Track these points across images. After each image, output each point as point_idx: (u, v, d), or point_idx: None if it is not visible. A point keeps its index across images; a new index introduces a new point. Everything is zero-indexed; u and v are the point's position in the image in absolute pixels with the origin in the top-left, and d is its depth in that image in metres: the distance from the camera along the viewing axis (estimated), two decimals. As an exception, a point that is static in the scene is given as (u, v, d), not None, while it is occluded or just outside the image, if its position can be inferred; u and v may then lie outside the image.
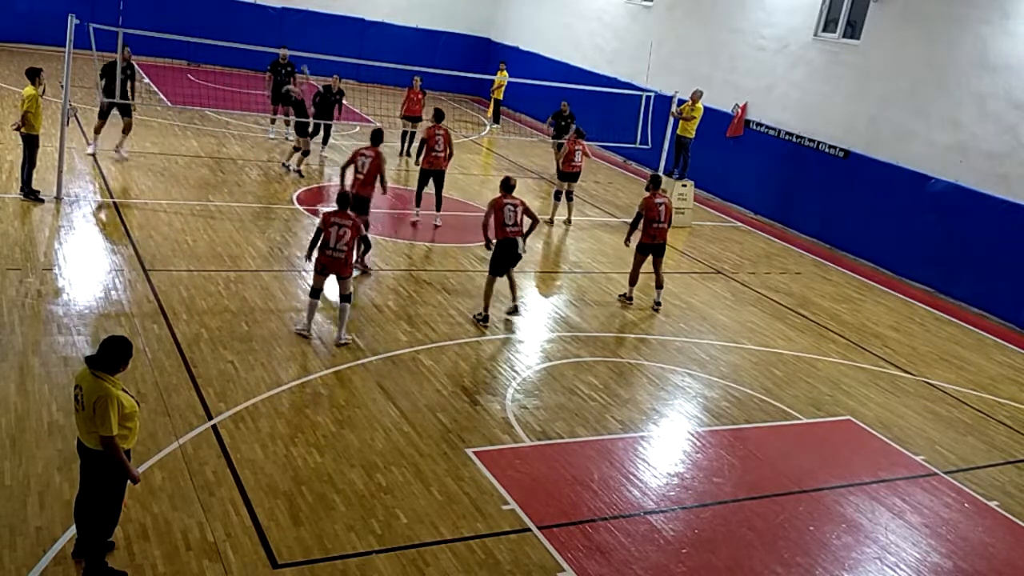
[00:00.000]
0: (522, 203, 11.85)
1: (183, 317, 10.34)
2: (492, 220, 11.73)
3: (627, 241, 13.23)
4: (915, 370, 12.64)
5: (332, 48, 24.08)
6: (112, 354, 5.81)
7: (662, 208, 12.82)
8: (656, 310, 13.11)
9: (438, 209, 15.33)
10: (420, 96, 20.13)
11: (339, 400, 9.07)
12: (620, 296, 13.37)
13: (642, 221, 12.82)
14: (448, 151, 15.22)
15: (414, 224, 15.51)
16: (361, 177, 12.67)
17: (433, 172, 15.27)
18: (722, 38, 21.60)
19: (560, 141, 19.28)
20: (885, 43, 17.81)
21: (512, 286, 12.05)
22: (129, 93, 16.11)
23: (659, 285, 13.23)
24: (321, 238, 10.16)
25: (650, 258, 13.08)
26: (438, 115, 15.44)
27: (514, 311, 12.06)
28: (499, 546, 7.16)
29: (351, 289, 10.47)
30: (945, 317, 15.43)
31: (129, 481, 6.03)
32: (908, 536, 8.32)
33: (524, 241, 11.86)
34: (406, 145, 20.42)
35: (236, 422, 8.33)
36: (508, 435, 8.92)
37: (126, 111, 16.18)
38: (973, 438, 10.70)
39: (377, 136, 13.12)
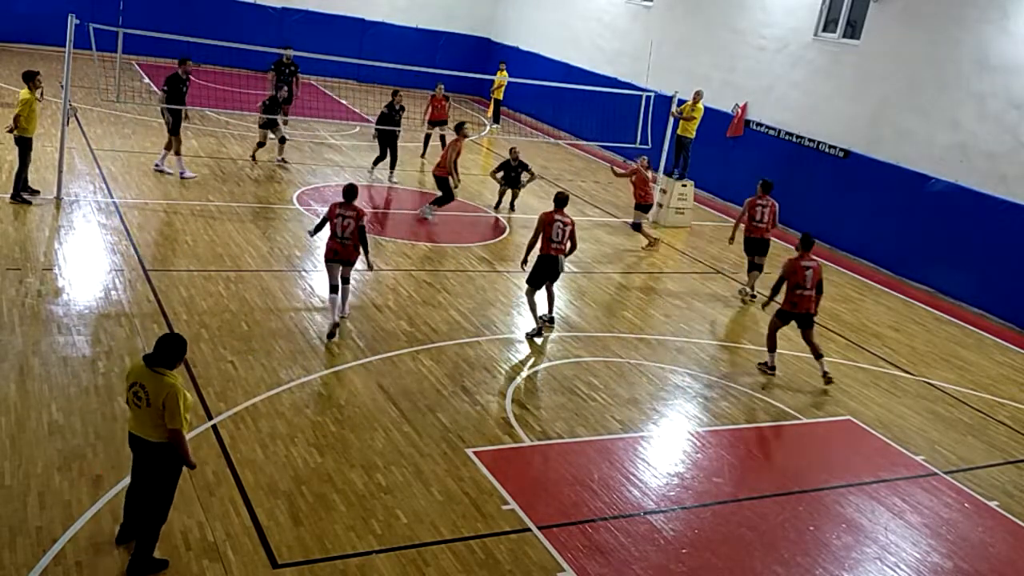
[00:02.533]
0: (572, 223, 11.40)
1: (183, 317, 10.34)
2: (541, 236, 11.23)
3: (766, 305, 11.79)
4: (915, 370, 12.64)
5: (332, 48, 24.12)
6: (172, 351, 6.04)
7: (809, 272, 11.14)
8: (828, 382, 11.37)
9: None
10: (444, 102, 20.35)
11: (339, 400, 9.07)
12: (761, 365, 11.67)
13: (784, 285, 11.26)
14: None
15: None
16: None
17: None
18: (722, 38, 21.60)
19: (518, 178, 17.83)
20: (885, 43, 17.80)
21: (550, 299, 11.74)
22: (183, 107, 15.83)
23: (817, 355, 11.43)
24: (327, 227, 10.69)
25: (793, 328, 11.52)
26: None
27: (549, 321, 11.76)
28: (499, 546, 7.16)
29: (349, 272, 10.91)
30: (945, 317, 15.42)
31: (185, 467, 6.26)
32: (908, 536, 8.32)
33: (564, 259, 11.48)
34: (427, 149, 20.83)
35: (236, 422, 8.32)
36: (508, 435, 8.92)
37: (176, 128, 15.82)
38: (973, 438, 10.70)
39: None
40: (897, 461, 9.81)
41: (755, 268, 14.48)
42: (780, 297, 11.52)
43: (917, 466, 9.75)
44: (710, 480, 8.74)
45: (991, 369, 13.23)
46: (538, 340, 11.40)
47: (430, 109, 20.41)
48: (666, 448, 9.31)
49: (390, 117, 17.87)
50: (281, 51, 19.54)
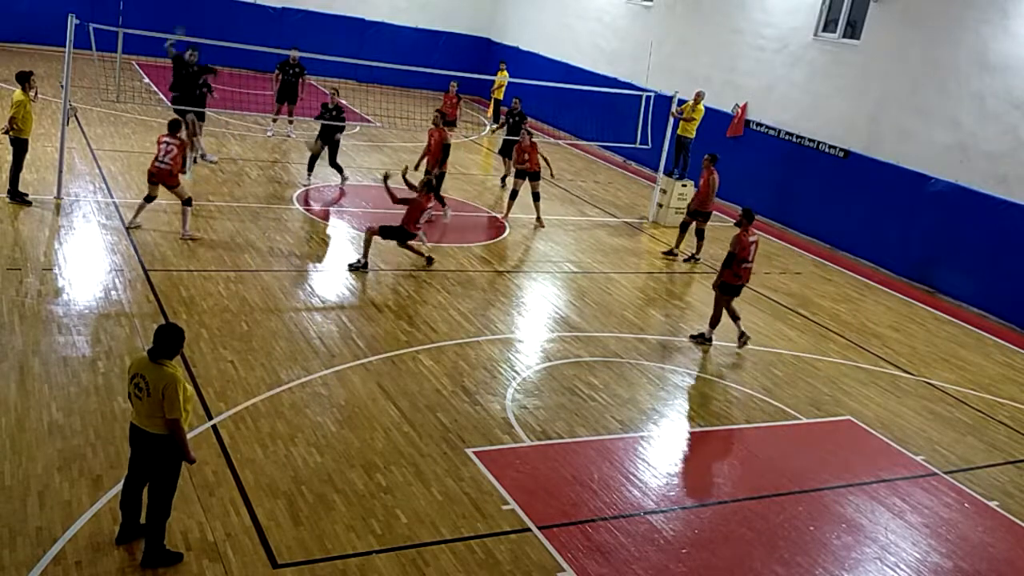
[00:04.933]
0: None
1: (183, 317, 10.34)
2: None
3: (716, 285, 11.86)
4: (915, 370, 12.64)
5: (332, 48, 24.12)
6: (170, 341, 6.10)
7: (753, 247, 11.62)
8: (706, 343, 12.00)
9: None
10: (455, 101, 20.21)
11: (339, 400, 9.07)
12: (696, 337, 12.10)
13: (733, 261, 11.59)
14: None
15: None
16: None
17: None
18: (722, 38, 21.59)
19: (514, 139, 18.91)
20: (885, 43, 17.81)
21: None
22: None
23: (714, 323, 11.98)
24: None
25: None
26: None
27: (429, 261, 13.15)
28: (499, 546, 7.16)
29: (186, 195, 12.85)
30: (945, 317, 15.43)
31: (185, 462, 6.27)
32: (908, 536, 8.33)
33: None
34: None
35: (236, 422, 8.33)
36: (508, 435, 8.92)
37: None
38: (973, 438, 10.70)
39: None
40: (897, 461, 9.81)
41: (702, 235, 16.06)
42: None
43: (917, 466, 9.75)
44: (710, 480, 8.74)
45: (991, 369, 13.23)
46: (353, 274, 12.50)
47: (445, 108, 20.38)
48: (666, 448, 9.31)
49: (332, 115, 16.65)
50: (287, 52, 19.61)
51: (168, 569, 6.28)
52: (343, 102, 18.48)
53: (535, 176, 16.49)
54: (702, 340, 12.04)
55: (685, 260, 16.02)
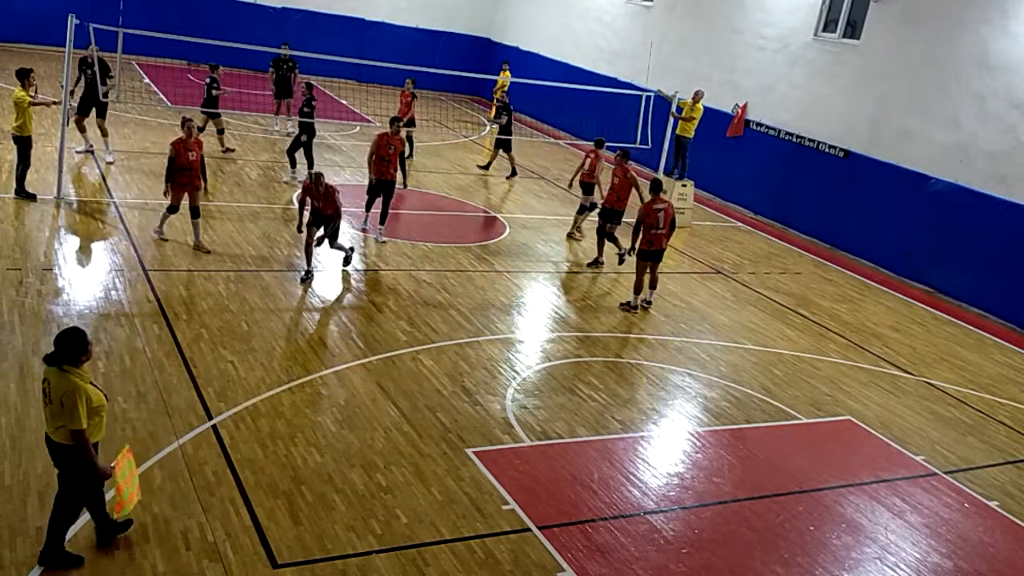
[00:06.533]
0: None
1: (183, 317, 10.34)
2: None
3: (631, 251, 13.19)
4: (915, 370, 12.64)
5: (332, 48, 24.11)
6: (68, 346, 5.75)
7: (661, 214, 12.59)
8: (646, 308, 13.06)
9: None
10: (408, 99, 19.61)
11: (339, 400, 9.07)
12: (623, 305, 13.07)
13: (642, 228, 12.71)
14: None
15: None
16: None
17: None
18: (722, 38, 21.60)
19: (498, 123, 20.10)
20: (885, 43, 17.81)
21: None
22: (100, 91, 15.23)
23: (652, 285, 13.12)
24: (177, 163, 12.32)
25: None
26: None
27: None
28: (499, 546, 7.16)
29: (195, 204, 12.50)
30: (945, 317, 15.43)
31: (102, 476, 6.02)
32: (908, 536, 8.33)
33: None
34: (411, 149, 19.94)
35: (236, 422, 8.33)
36: (508, 435, 8.92)
37: (101, 111, 15.79)
38: (973, 438, 10.70)
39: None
40: (897, 461, 9.81)
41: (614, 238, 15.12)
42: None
43: (917, 466, 9.75)
44: (710, 480, 8.74)
45: (991, 369, 13.23)
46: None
47: (399, 106, 19.90)
48: (666, 448, 9.31)
49: (307, 112, 16.56)
50: (278, 50, 19.64)
51: (169, 568, 6.28)
52: (345, 102, 18.50)
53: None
54: (630, 308, 13.00)
55: (589, 264, 14.84)
